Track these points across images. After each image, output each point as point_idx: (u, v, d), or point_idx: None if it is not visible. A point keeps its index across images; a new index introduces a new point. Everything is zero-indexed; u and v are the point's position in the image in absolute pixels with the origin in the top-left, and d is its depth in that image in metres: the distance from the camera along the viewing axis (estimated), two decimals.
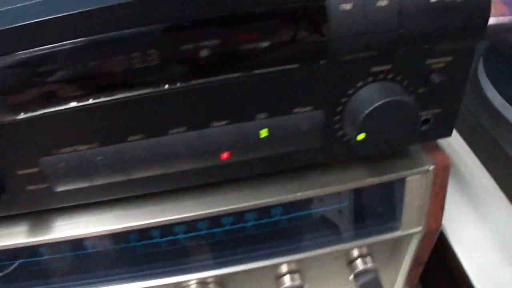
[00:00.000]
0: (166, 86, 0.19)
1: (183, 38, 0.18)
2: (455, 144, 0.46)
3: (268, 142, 0.22)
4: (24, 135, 0.20)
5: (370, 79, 0.21)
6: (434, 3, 0.19)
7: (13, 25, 0.17)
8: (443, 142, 0.27)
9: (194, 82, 0.19)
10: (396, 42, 0.20)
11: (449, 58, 0.21)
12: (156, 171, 0.22)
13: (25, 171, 0.21)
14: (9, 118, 0.19)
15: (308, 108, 0.21)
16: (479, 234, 0.39)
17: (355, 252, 0.29)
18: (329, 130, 0.22)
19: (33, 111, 0.19)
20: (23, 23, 0.17)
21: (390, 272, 0.32)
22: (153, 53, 0.18)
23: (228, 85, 0.20)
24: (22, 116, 0.19)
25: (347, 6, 0.18)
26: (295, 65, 0.20)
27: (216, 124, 0.21)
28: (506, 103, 0.41)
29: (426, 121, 0.23)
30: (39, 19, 0.17)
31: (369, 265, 0.28)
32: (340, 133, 0.22)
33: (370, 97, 0.21)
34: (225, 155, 0.22)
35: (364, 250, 0.29)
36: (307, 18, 0.19)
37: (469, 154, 0.45)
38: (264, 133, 0.21)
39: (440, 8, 0.19)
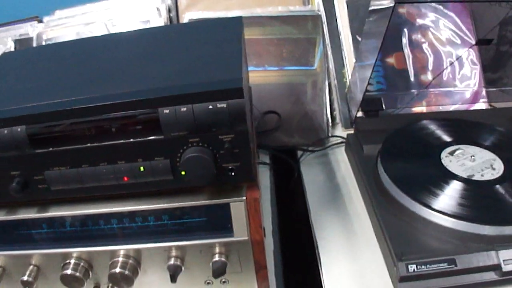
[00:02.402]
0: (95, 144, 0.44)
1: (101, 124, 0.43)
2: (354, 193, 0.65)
3: (145, 173, 0.45)
4: (37, 159, 0.46)
5: (191, 144, 0.43)
6: (212, 108, 0.42)
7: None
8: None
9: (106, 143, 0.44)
10: (194, 130, 0.42)
11: (232, 135, 0.43)
12: (96, 183, 0.46)
13: (37, 177, 0.47)
14: (30, 151, 0.45)
15: (162, 158, 0.44)
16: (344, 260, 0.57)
17: (216, 250, 0.49)
18: (174, 169, 0.45)
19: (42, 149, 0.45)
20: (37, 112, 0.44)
21: (246, 278, 0.51)
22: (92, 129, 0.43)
23: (125, 145, 0.44)
24: (38, 151, 0.45)
25: (167, 111, 0.42)
26: (156, 137, 0.43)
27: (119, 163, 0.45)
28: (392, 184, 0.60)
29: (232, 170, 0.45)
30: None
31: (222, 259, 0.48)
32: (179, 170, 0.45)
33: (187, 152, 0.43)
34: (125, 178, 0.46)
35: (222, 250, 0.49)
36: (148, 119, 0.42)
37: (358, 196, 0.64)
38: (142, 168, 0.45)
39: (215, 110, 0.42)
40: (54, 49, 0.70)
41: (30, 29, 0.98)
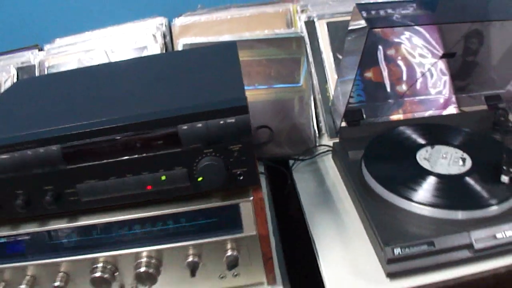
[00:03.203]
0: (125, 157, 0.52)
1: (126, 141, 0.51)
2: (342, 193, 0.74)
3: (166, 181, 0.53)
4: (69, 174, 0.53)
5: (205, 154, 0.52)
6: (223, 123, 0.50)
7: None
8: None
9: (131, 157, 0.52)
10: (208, 142, 0.51)
11: (239, 145, 0.51)
12: (122, 193, 0.54)
13: (68, 191, 0.54)
14: (63, 167, 0.53)
15: (180, 167, 0.53)
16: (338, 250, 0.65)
17: (228, 245, 0.57)
18: (190, 177, 0.53)
19: (74, 165, 0.53)
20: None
21: (255, 270, 0.59)
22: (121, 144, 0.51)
23: (149, 158, 0.52)
24: (70, 166, 0.53)
25: (185, 127, 0.50)
26: (176, 149, 0.52)
27: (143, 174, 0.53)
28: (375, 182, 0.69)
29: (240, 174, 0.53)
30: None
31: (234, 253, 0.57)
32: (195, 177, 0.53)
33: (203, 161, 0.51)
34: (149, 187, 0.54)
35: (233, 245, 0.57)
36: (169, 134, 0.51)
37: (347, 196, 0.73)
38: (163, 177, 0.53)
39: (225, 125, 0.50)
40: (68, 75, 0.78)
41: (32, 57, 1.05)
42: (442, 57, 0.93)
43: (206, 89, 0.57)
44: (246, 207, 0.55)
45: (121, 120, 0.51)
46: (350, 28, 0.74)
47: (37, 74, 1.03)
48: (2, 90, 1.02)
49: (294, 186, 0.83)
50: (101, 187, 0.54)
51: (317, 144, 0.92)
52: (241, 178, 0.53)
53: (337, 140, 0.87)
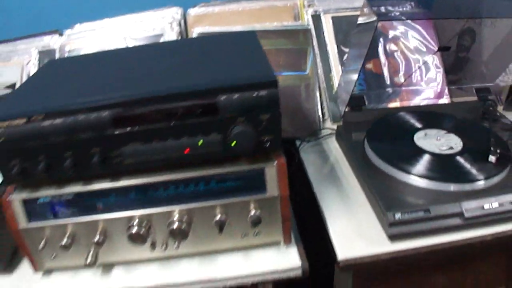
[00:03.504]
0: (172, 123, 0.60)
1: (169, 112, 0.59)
2: (345, 170, 0.83)
3: (202, 146, 0.61)
4: (116, 138, 0.61)
5: (239, 122, 0.60)
6: (256, 95, 0.58)
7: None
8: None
9: (173, 123, 0.60)
10: (242, 111, 0.59)
11: (268, 115, 0.60)
12: (162, 156, 0.62)
13: (114, 153, 0.62)
14: (111, 132, 0.60)
15: (216, 133, 0.61)
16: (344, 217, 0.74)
17: (252, 206, 0.65)
18: (224, 142, 0.61)
19: (121, 130, 0.60)
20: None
21: (273, 230, 0.68)
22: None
23: (189, 125, 0.60)
24: (117, 131, 0.60)
25: (223, 97, 0.58)
26: (213, 117, 0.60)
27: (183, 138, 0.61)
28: (377, 157, 0.78)
29: (267, 141, 0.62)
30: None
31: (257, 212, 0.65)
32: (228, 143, 0.61)
33: (236, 128, 0.60)
34: (186, 151, 0.62)
35: (256, 205, 0.65)
36: (208, 104, 0.59)
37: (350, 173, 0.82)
38: (200, 142, 0.61)
39: (258, 97, 0.59)
40: (100, 56, 0.85)
41: (52, 41, 1.12)
42: (438, 50, 1.03)
43: (238, 67, 0.65)
44: (270, 171, 0.63)
45: (167, 91, 0.59)
46: (359, 22, 0.83)
47: (57, 57, 1.10)
48: (25, 72, 1.09)
49: (301, 164, 0.91)
50: (144, 150, 0.61)
51: (322, 128, 1.01)
52: (268, 144, 0.62)
53: (339, 125, 0.96)
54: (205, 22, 1.09)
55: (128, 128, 0.60)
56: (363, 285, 0.76)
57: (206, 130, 0.61)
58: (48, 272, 0.71)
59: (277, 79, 0.59)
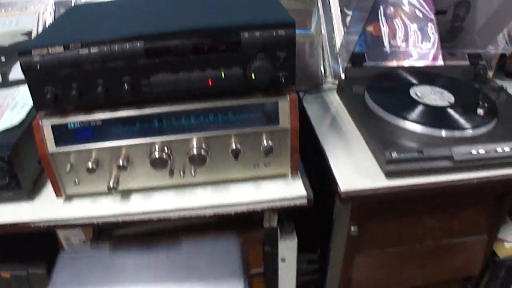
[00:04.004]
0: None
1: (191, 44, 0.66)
2: (345, 119, 0.91)
3: (225, 78, 0.68)
4: (146, 68, 0.68)
5: (259, 57, 0.67)
6: (276, 34, 0.66)
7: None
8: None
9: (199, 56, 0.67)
10: (262, 48, 0.66)
11: (285, 53, 0.67)
12: (188, 86, 0.69)
13: (143, 82, 0.69)
14: (143, 61, 0.67)
15: (237, 67, 0.68)
16: (344, 157, 0.82)
17: (264, 136, 0.73)
18: (244, 75, 0.68)
19: (152, 60, 0.67)
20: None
21: (282, 162, 0.76)
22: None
23: (213, 58, 0.67)
24: (148, 61, 0.67)
25: (246, 34, 0.66)
26: (236, 52, 0.67)
27: (207, 70, 0.68)
28: (376, 106, 0.86)
29: (283, 77, 0.69)
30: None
31: (270, 142, 0.73)
32: (248, 76, 0.68)
33: (256, 63, 0.67)
34: (210, 82, 0.69)
35: (268, 137, 0.73)
36: (232, 40, 0.66)
37: (350, 121, 0.90)
38: (223, 74, 0.68)
39: (277, 35, 0.66)
40: (126, 2, 0.90)
41: None
42: (435, 14, 1.11)
43: (259, 10, 0.72)
44: (283, 105, 0.71)
45: (196, 26, 0.66)
46: None
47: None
48: (41, 21, 1.13)
49: (304, 112, 0.99)
50: (171, 79, 0.68)
51: (324, 82, 1.09)
52: (283, 79, 0.69)
53: (341, 79, 1.04)
54: None
55: (158, 59, 0.67)
56: (360, 221, 0.85)
57: (229, 64, 0.68)
58: (69, 198, 0.78)
59: (294, 21, 0.66)
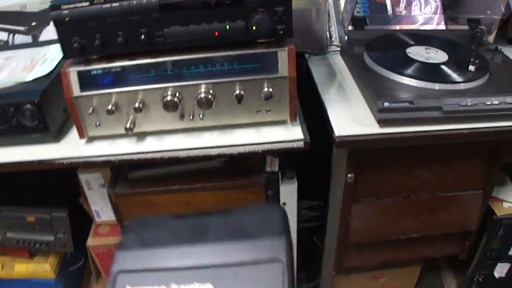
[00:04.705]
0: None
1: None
2: (346, 77, 0.99)
3: (229, 30, 0.78)
4: (160, 20, 0.77)
5: (259, 11, 0.76)
6: None
7: None
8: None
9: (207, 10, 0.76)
10: (262, 3, 0.75)
11: (283, 7, 0.76)
12: (197, 37, 0.79)
13: (157, 33, 0.78)
14: (157, 15, 0.77)
15: (240, 20, 0.77)
16: (342, 108, 0.91)
17: (266, 84, 0.82)
18: (246, 27, 0.77)
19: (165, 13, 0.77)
20: None
21: (282, 109, 0.85)
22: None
23: (219, 12, 0.76)
24: (162, 15, 0.77)
25: None
26: (239, 7, 0.76)
27: (214, 23, 0.77)
28: (373, 62, 0.94)
29: (281, 30, 0.78)
30: None
31: (270, 89, 0.82)
32: (250, 28, 0.78)
33: (257, 16, 0.76)
34: (216, 33, 0.78)
35: (269, 84, 0.82)
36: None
37: (350, 79, 0.98)
38: (227, 26, 0.77)
39: None
40: None
41: None
42: None
43: None
44: (282, 55, 0.80)
45: None
46: None
47: None
48: None
49: (309, 72, 1.08)
50: (182, 31, 0.78)
51: (329, 44, 1.17)
52: (281, 32, 0.78)
53: (344, 42, 1.12)
54: None
55: (171, 13, 0.76)
56: (357, 169, 0.94)
57: (233, 18, 0.76)
58: (91, 140, 0.88)
59: None
